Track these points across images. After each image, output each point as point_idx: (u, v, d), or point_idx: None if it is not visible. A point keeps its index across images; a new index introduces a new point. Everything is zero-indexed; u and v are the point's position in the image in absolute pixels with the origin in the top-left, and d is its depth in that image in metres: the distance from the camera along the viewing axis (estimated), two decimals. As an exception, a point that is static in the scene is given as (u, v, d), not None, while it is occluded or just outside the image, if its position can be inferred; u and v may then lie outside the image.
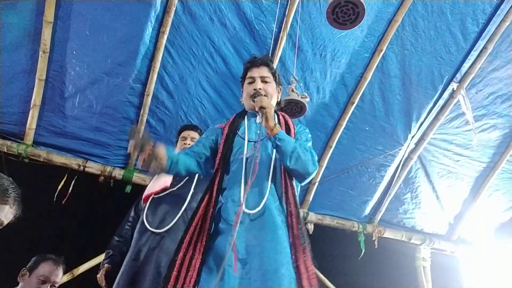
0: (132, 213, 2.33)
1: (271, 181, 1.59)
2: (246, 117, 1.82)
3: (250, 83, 1.83)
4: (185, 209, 2.12)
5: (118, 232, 2.29)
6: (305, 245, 1.42)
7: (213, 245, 1.50)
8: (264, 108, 1.63)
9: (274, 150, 1.64)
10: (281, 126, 1.72)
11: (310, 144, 1.71)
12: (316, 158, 1.64)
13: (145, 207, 2.18)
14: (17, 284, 2.12)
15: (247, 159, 1.63)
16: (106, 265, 2.15)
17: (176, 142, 2.47)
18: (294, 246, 1.43)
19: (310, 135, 1.78)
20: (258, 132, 1.68)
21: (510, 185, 4.16)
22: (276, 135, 1.60)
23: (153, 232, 2.04)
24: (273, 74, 1.87)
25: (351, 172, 3.72)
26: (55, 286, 2.20)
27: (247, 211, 1.49)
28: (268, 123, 1.61)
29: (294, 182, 1.60)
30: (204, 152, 1.74)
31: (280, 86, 1.95)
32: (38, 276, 2.12)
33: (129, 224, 2.29)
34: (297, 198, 1.57)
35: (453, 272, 4.53)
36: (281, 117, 1.81)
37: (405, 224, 4.21)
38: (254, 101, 1.70)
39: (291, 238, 1.45)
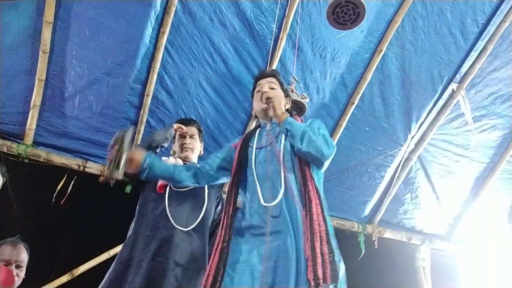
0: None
1: (284, 176, 1.61)
2: (258, 129, 1.88)
3: (258, 91, 1.90)
4: (206, 209, 2.17)
5: None
6: (323, 233, 1.42)
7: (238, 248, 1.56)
8: (270, 98, 1.73)
9: (283, 145, 1.68)
10: None
11: (323, 131, 1.72)
12: (332, 141, 1.64)
13: (163, 197, 2.11)
14: None
15: (255, 164, 1.71)
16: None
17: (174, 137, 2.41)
18: (312, 232, 1.43)
19: (322, 124, 1.78)
20: (269, 128, 1.80)
21: (510, 186, 4.16)
22: (285, 120, 1.68)
23: (181, 230, 2.03)
24: (281, 85, 1.94)
25: (351, 172, 3.72)
26: (21, 267, 2.09)
27: (265, 204, 1.56)
28: (276, 111, 1.71)
29: (312, 171, 1.61)
30: (208, 169, 1.89)
31: (289, 97, 2.01)
32: None
33: None
34: (317, 186, 1.57)
35: (452, 272, 4.52)
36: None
37: (405, 224, 4.21)
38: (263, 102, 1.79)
39: (309, 224, 1.45)
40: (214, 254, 1.53)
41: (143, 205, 2.18)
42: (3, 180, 1.67)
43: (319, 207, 1.50)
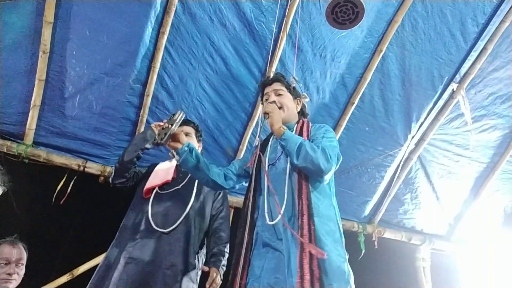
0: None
1: (288, 193, 1.60)
2: (272, 139, 1.87)
3: (266, 100, 1.90)
4: (190, 208, 2.14)
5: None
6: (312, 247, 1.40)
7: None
8: (267, 114, 1.72)
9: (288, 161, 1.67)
10: (295, 133, 1.76)
11: (328, 140, 1.69)
12: (333, 154, 1.60)
13: (148, 201, 2.14)
14: None
15: (266, 183, 1.70)
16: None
17: None
18: (301, 248, 1.41)
19: (329, 131, 1.75)
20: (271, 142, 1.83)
21: (510, 186, 4.15)
22: (281, 136, 1.66)
23: (162, 233, 2.03)
24: (287, 87, 1.93)
25: (351, 172, 3.72)
26: (21, 265, 2.12)
27: (270, 223, 1.57)
28: (273, 127, 1.70)
29: (308, 183, 1.59)
30: (232, 170, 1.94)
31: (299, 98, 1.99)
32: None
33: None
34: (312, 199, 1.54)
35: (452, 272, 4.52)
36: (299, 123, 1.85)
37: (405, 224, 4.21)
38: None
39: (299, 239, 1.43)
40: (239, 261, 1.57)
41: (130, 210, 2.22)
42: (3, 190, 1.68)
43: (310, 221, 1.46)
